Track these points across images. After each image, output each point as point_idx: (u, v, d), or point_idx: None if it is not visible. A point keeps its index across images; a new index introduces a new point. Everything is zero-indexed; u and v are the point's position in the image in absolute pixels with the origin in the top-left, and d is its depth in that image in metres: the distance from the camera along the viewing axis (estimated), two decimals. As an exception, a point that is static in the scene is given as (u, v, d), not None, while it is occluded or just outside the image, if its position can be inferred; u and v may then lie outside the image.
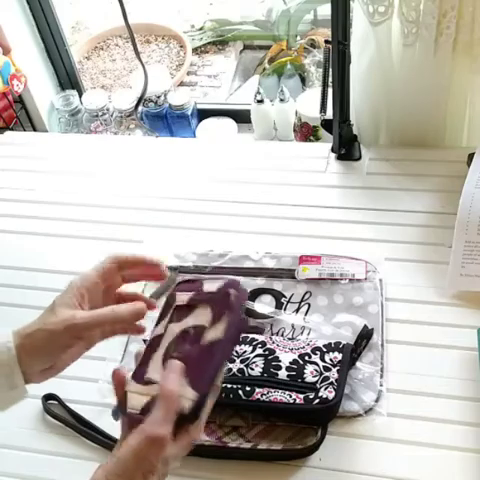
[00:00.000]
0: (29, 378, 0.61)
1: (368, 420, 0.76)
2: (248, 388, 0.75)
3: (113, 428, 0.78)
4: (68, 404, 0.82)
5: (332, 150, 1.10)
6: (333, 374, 0.75)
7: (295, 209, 1.02)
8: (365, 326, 0.83)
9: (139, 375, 0.60)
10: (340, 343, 0.79)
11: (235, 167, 1.12)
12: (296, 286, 0.90)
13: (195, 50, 1.77)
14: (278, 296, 0.89)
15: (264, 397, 0.74)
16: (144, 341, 0.64)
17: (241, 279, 0.91)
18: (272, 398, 0.74)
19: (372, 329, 0.83)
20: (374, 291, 0.87)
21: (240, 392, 0.74)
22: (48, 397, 0.83)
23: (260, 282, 0.91)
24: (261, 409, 0.74)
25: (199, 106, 1.48)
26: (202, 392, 0.56)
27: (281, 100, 1.36)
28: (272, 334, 0.85)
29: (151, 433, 0.54)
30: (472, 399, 0.77)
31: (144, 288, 0.92)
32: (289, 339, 0.82)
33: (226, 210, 1.04)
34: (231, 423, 0.76)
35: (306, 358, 0.77)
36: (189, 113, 1.43)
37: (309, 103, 1.31)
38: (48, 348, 0.60)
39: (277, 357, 0.78)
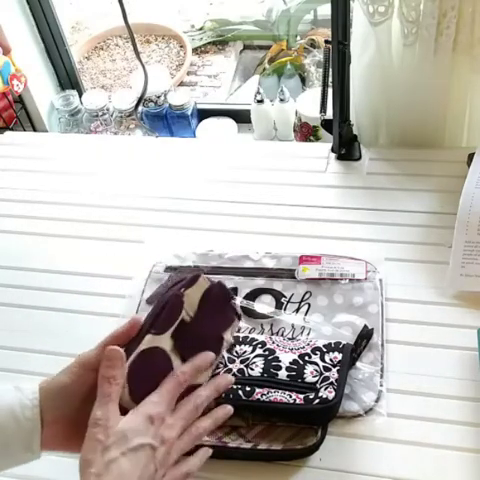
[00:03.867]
0: (47, 439, 0.60)
1: (368, 420, 0.76)
2: (248, 388, 0.75)
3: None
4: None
5: (332, 150, 1.10)
6: (333, 374, 0.75)
7: (295, 209, 1.02)
8: (365, 326, 0.83)
9: None
10: (340, 343, 0.79)
11: (235, 167, 1.12)
12: (296, 286, 0.90)
13: (195, 50, 1.77)
14: (278, 296, 0.89)
15: (264, 397, 0.74)
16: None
17: (241, 279, 0.91)
18: (272, 398, 0.74)
19: (372, 329, 0.83)
20: (374, 291, 0.87)
21: (240, 392, 0.74)
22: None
23: (260, 282, 0.91)
24: (261, 409, 0.74)
25: (199, 106, 1.48)
26: None
27: (281, 100, 1.36)
28: (272, 334, 0.85)
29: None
30: (472, 399, 0.77)
31: (144, 288, 0.93)
32: (289, 339, 0.82)
33: (226, 210, 1.04)
34: (231, 423, 0.75)
35: (306, 358, 0.77)
36: (189, 113, 1.43)
37: (309, 103, 1.31)
38: (64, 389, 0.61)
39: (277, 357, 0.78)
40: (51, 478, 0.77)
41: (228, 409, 0.66)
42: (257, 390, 0.74)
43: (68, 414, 0.61)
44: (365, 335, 0.82)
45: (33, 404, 0.59)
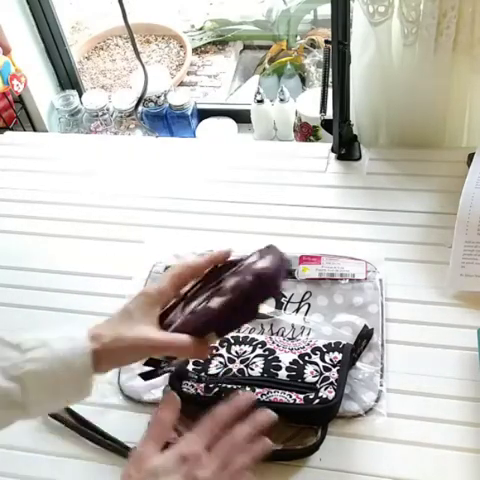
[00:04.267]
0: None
1: (368, 420, 0.76)
2: (248, 388, 0.75)
3: (113, 428, 0.78)
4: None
5: (332, 150, 1.10)
6: (333, 374, 0.75)
7: (295, 209, 1.02)
8: (365, 326, 0.83)
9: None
10: (340, 343, 0.79)
11: (235, 167, 1.12)
12: (296, 286, 0.90)
13: (195, 50, 1.77)
14: (278, 296, 0.89)
15: (264, 397, 0.74)
16: None
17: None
18: (272, 398, 0.74)
19: (372, 329, 0.83)
20: (374, 291, 0.87)
21: (240, 392, 0.74)
22: (48, 397, 0.83)
23: (260, 282, 0.91)
24: (261, 409, 0.74)
25: (199, 106, 1.48)
26: None
27: (281, 100, 1.36)
28: (272, 334, 0.85)
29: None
30: (472, 399, 0.77)
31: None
32: (289, 339, 0.82)
33: (226, 210, 1.04)
34: (231, 423, 0.76)
35: (306, 358, 0.77)
36: (189, 113, 1.43)
37: (309, 103, 1.31)
38: (122, 359, 0.64)
39: (277, 357, 0.78)
40: (51, 478, 0.77)
41: (267, 442, 0.63)
42: (257, 390, 0.74)
43: (123, 364, 0.66)
44: (365, 335, 0.82)
45: (84, 352, 0.60)
